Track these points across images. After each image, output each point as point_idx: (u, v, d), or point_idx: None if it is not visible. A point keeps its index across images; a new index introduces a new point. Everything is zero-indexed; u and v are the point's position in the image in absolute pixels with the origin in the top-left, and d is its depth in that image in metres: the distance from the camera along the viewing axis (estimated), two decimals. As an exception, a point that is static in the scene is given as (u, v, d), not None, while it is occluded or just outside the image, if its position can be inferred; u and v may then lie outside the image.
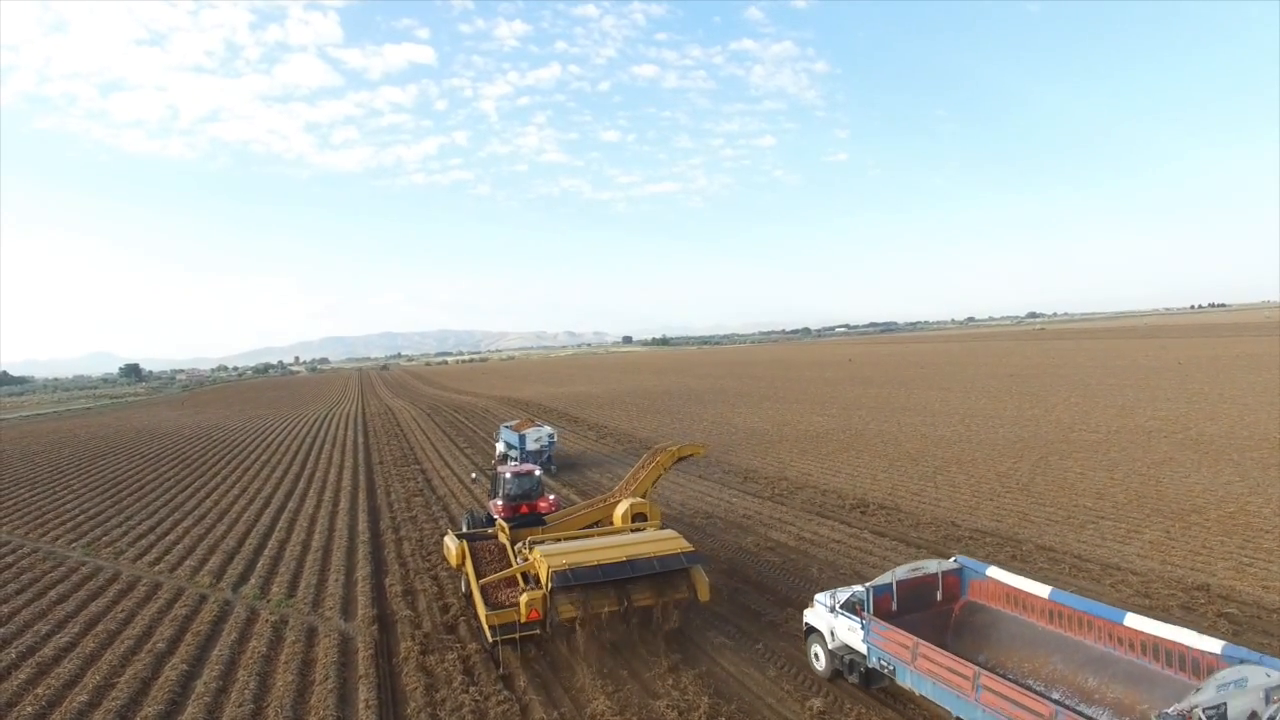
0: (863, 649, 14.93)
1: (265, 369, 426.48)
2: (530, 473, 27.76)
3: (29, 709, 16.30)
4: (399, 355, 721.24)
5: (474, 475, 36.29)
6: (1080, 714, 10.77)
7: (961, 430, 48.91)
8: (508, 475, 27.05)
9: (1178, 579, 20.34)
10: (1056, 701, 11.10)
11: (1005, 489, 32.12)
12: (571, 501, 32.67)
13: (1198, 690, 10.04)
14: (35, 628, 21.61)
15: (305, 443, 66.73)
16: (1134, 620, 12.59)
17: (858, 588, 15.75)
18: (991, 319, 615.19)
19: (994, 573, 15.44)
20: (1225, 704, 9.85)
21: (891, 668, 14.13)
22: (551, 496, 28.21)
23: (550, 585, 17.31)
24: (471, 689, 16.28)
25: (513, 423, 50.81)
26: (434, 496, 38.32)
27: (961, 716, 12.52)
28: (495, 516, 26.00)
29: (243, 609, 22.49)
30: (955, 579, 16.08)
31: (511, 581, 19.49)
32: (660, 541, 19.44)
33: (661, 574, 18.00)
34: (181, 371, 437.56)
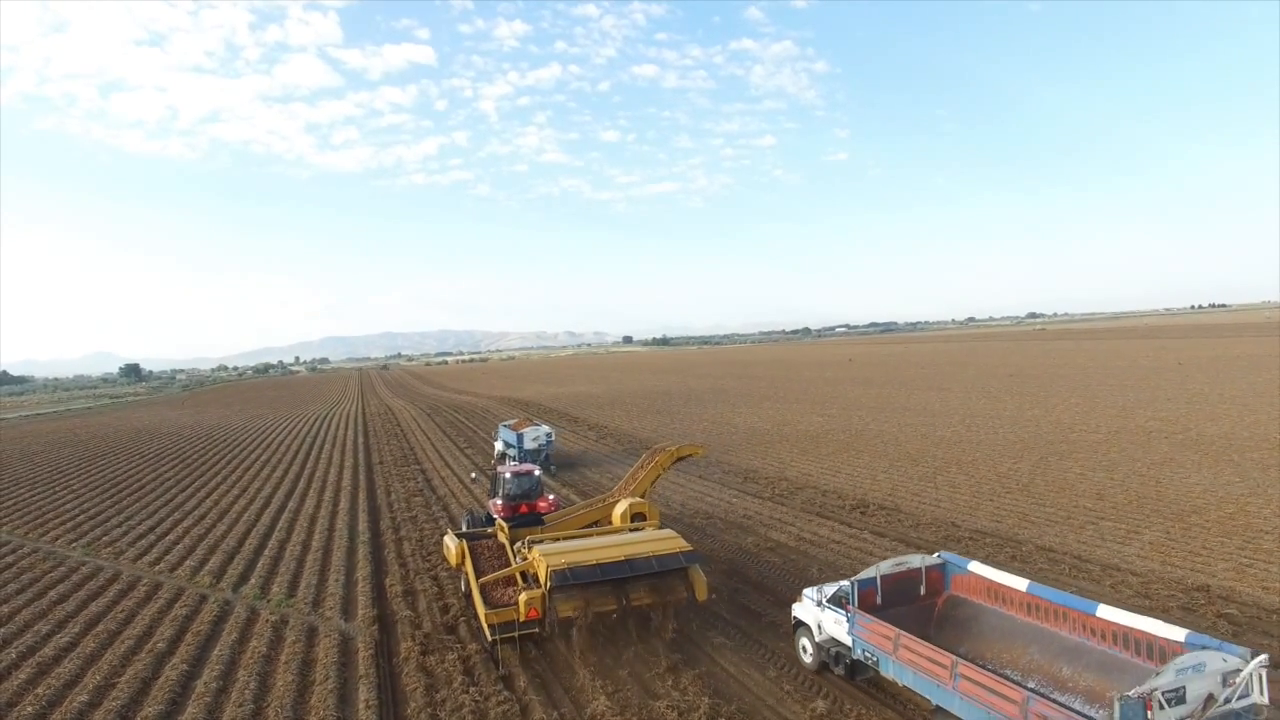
0: (848, 641, 15.33)
1: (265, 369, 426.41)
2: (530, 472, 27.79)
3: (29, 709, 16.31)
4: (399, 355, 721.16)
5: (473, 475, 36.33)
6: (1050, 700, 11.22)
7: (962, 431, 48.92)
8: (507, 475, 27.08)
9: (1178, 580, 20.34)
10: (1028, 688, 11.56)
11: (1005, 489, 32.12)
12: (571, 501, 32.67)
13: (1157, 674, 10.49)
14: (35, 628, 21.63)
15: (305, 443, 66.74)
16: (1105, 611, 13.10)
17: (844, 582, 16.06)
18: (992, 319, 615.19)
19: (975, 567, 15.91)
20: (1184, 687, 10.38)
21: (875, 659, 14.53)
22: (551, 496, 28.24)
23: (549, 584, 17.36)
24: (472, 689, 16.29)
25: (511, 422, 51.06)
26: (434, 496, 38.33)
27: (941, 704, 12.88)
28: (495, 516, 26.03)
29: (243, 609, 22.51)
30: (938, 574, 16.55)
31: (511, 581, 19.54)
32: (659, 541, 19.49)
33: (660, 573, 18.04)
34: (181, 371, 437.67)
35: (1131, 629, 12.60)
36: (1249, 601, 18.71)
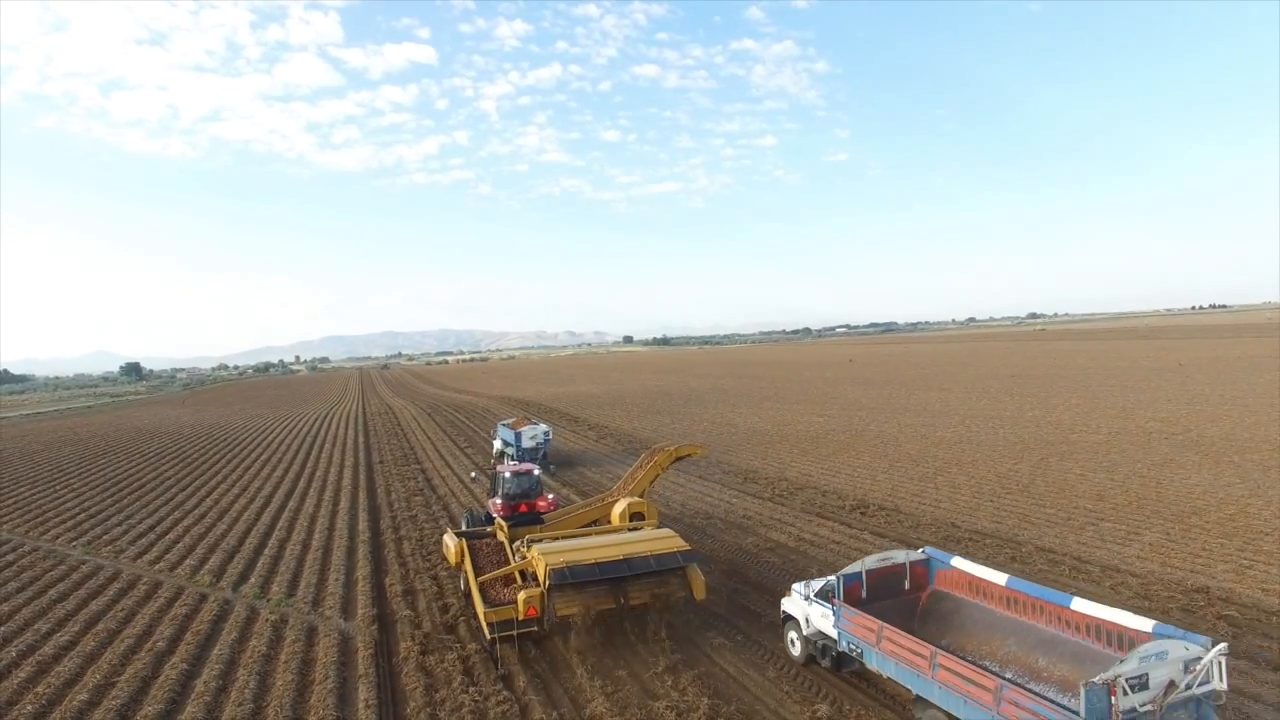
0: (834, 634, 15.72)
1: (266, 368, 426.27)
2: (529, 472, 27.83)
3: (29, 707, 16.33)
4: (400, 355, 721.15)
5: (473, 474, 36.35)
6: (1022, 687, 11.70)
7: (962, 431, 48.90)
8: (507, 474, 27.11)
9: (1177, 581, 20.33)
10: (1001, 676, 12.03)
11: (1005, 490, 32.11)
12: (570, 501, 32.68)
13: (1121, 661, 10.95)
14: (35, 626, 21.65)
15: (305, 442, 66.76)
16: (1079, 604, 13.59)
17: (831, 577, 16.48)
18: (992, 319, 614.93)
19: (958, 563, 16.35)
20: (1147, 674, 10.83)
21: (859, 651, 14.93)
22: (550, 496, 28.26)
23: (548, 583, 17.44)
24: (471, 689, 16.29)
25: (509, 421, 51.70)
26: (434, 496, 38.34)
27: (921, 694, 13.27)
28: (494, 515, 26.06)
29: (243, 608, 22.52)
30: (923, 569, 16.97)
31: (510, 579, 19.60)
32: (657, 540, 19.57)
33: (658, 572, 18.13)
34: (182, 370, 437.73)
35: (1103, 620, 13.03)
36: (1249, 603, 18.69)
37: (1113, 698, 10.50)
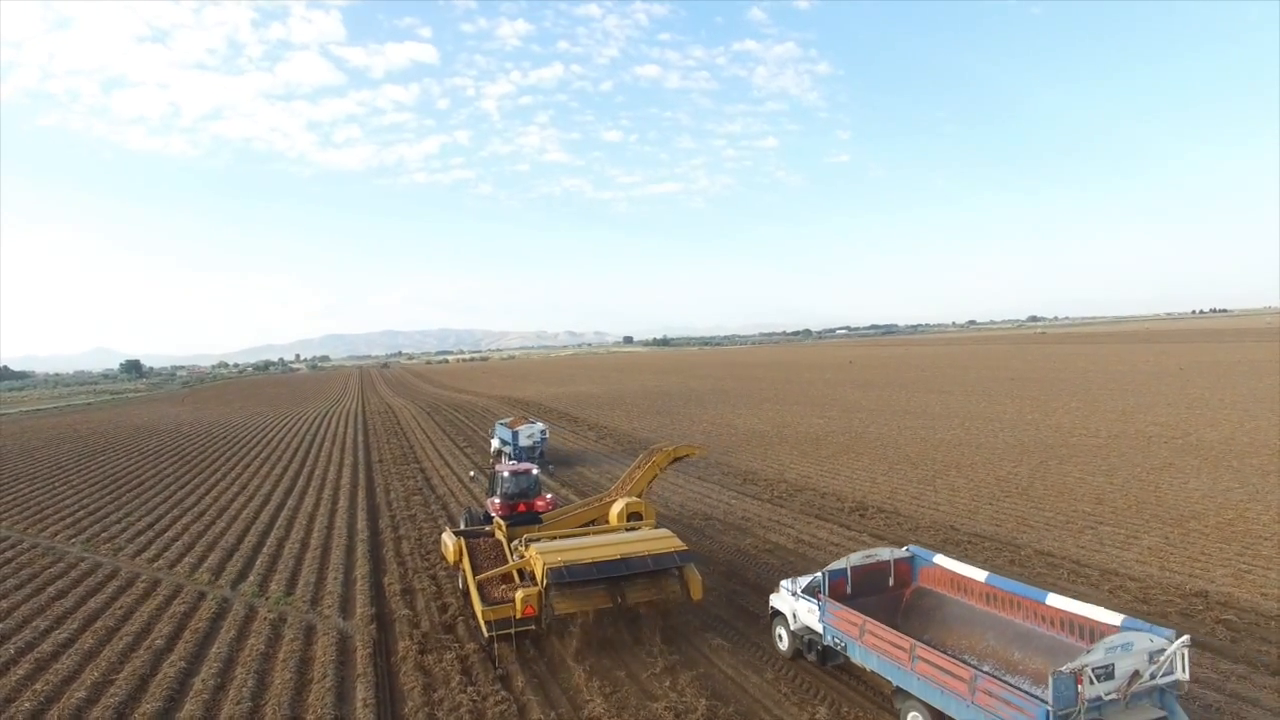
0: (820, 629, 16.11)
1: (266, 366, 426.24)
2: (528, 471, 27.87)
3: (27, 704, 16.32)
4: (400, 354, 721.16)
5: (472, 474, 36.40)
6: (995, 677, 12.15)
7: (961, 434, 48.90)
8: (505, 474, 27.14)
9: (1176, 585, 20.33)
10: (975, 667, 12.52)
11: (1005, 493, 32.11)
12: (569, 500, 32.68)
13: (1088, 652, 11.40)
14: (34, 623, 21.62)
15: (305, 440, 66.75)
16: (1054, 599, 14.07)
17: (817, 574, 16.84)
18: (992, 322, 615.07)
19: (940, 560, 16.77)
20: (1113, 664, 11.29)
21: (844, 644, 15.36)
22: (549, 495, 28.29)
23: (545, 582, 17.50)
24: (469, 689, 16.29)
25: (507, 420, 52.09)
26: (433, 495, 38.33)
27: (901, 685, 13.72)
28: (493, 514, 26.10)
29: (241, 606, 22.50)
30: (907, 566, 17.35)
31: (508, 578, 19.64)
32: (654, 540, 19.67)
33: (655, 572, 18.23)
34: (182, 368, 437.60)
35: (1076, 615, 13.49)
36: (1247, 607, 18.69)
37: (1079, 686, 10.93)
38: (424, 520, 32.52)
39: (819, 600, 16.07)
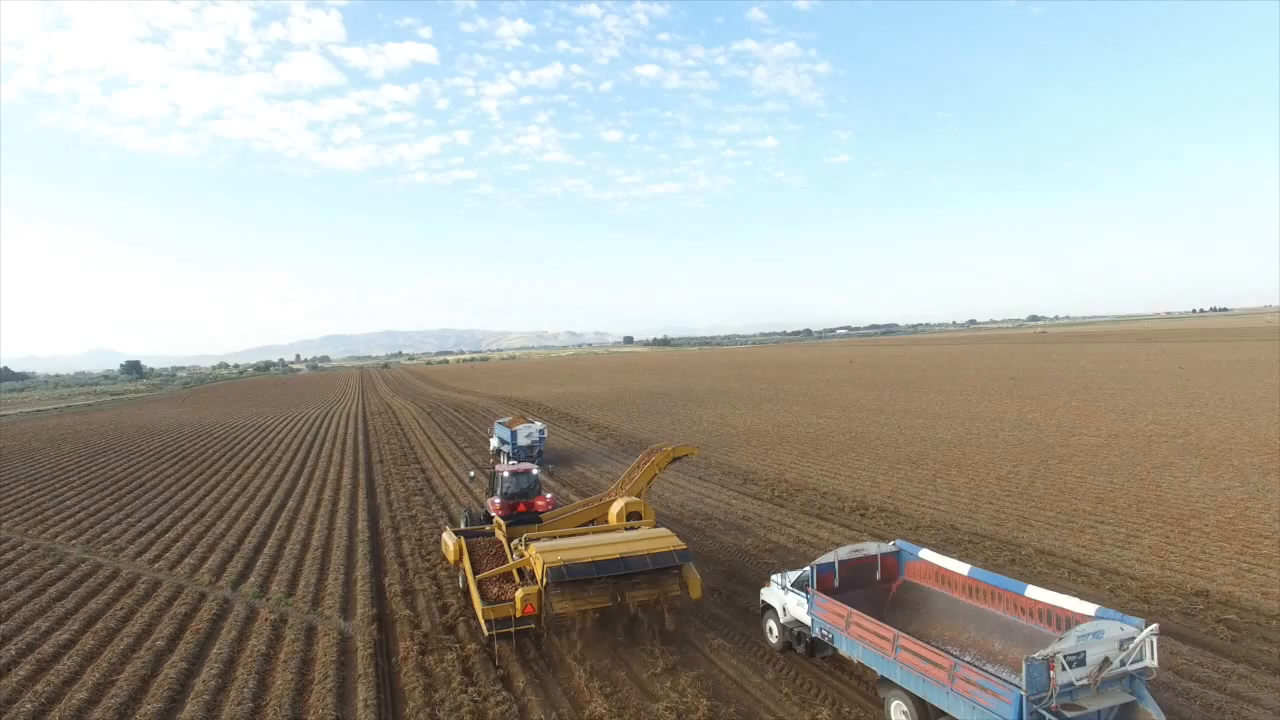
0: (808, 621, 16.49)
1: (266, 367, 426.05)
2: (528, 471, 27.90)
3: (29, 705, 16.33)
4: (400, 354, 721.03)
5: (472, 474, 36.42)
6: (974, 666, 12.58)
7: (962, 433, 48.90)
8: (506, 474, 27.17)
9: (1177, 584, 20.33)
10: (956, 657, 12.87)
11: (1005, 492, 32.11)
12: (569, 500, 32.70)
13: (1060, 639, 11.81)
14: (35, 625, 21.64)
15: (305, 441, 66.77)
16: (1032, 591, 14.51)
17: (806, 568, 17.20)
18: (993, 322, 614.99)
19: (926, 554, 17.20)
20: (1084, 651, 11.71)
21: (831, 636, 15.73)
22: (548, 495, 28.31)
23: (545, 581, 17.56)
24: (470, 689, 16.30)
25: (506, 419, 52.60)
26: (434, 496, 38.35)
27: (885, 675, 14.15)
28: (493, 514, 26.14)
29: (242, 607, 22.51)
30: (893, 560, 17.81)
31: (509, 577, 19.70)
32: (654, 539, 19.76)
33: (654, 571, 18.31)
34: (182, 369, 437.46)
35: (1053, 606, 13.92)
36: (1248, 606, 18.68)
37: (1051, 672, 11.39)
38: (424, 520, 32.54)
39: (808, 594, 16.44)
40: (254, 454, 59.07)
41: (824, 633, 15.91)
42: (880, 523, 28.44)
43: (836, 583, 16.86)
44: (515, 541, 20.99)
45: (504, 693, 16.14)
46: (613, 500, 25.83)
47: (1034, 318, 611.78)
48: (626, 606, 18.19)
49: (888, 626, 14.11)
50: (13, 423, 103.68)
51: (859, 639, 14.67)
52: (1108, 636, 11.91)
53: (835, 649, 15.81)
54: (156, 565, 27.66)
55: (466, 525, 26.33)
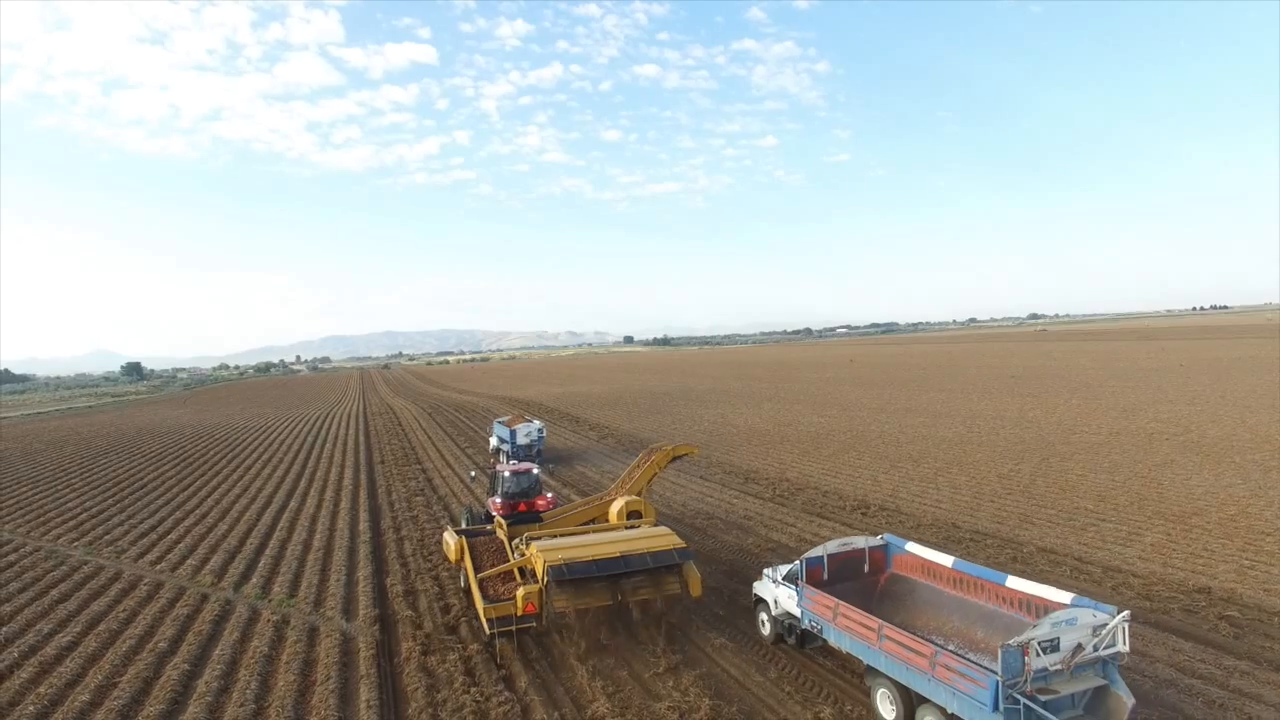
0: (798, 613, 16.88)
1: (267, 368, 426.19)
2: (529, 471, 27.94)
3: (31, 708, 16.34)
4: (400, 354, 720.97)
5: (473, 474, 36.48)
6: (954, 653, 13.03)
7: (963, 432, 48.90)
8: (506, 474, 27.22)
9: (1179, 582, 20.33)
10: (939, 645, 13.31)
11: (1006, 490, 32.11)
12: (569, 499, 32.72)
13: (1035, 626, 12.22)
14: (37, 627, 21.66)
15: (307, 442, 66.80)
16: (1013, 582, 14.98)
17: (795, 562, 17.66)
18: (993, 320, 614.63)
19: (912, 547, 17.69)
20: (1058, 638, 12.15)
21: (819, 627, 16.10)
22: (549, 494, 28.34)
23: (546, 579, 17.63)
24: (473, 689, 16.31)
25: (505, 418, 52.80)
26: (435, 496, 38.36)
27: (871, 664, 14.54)
28: (494, 514, 26.17)
29: (244, 608, 22.54)
30: (881, 554, 18.25)
31: (510, 576, 19.76)
32: (654, 538, 19.81)
33: (655, 570, 18.38)
34: (183, 370, 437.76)
35: (1032, 595, 14.39)
36: (1250, 604, 18.68)
37: (1026, 658, 11.81)
38: (426, 521, 32.55)
39: (797, 586, 16.86)
40: (255, 455, 59.09)
41: (813, 624, 16.30)
42: (882, 521, 28.43)
43: (825, 576, 17.35)
44: (516, 540, 21.07)
45: (506, 693, 16.15)
46: (613, 499, 25.82)
47: (1034, 316, 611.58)
48: (627, 605, 18.25)
49: (873, 617, 14.52)
50: (14, 425, 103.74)
51: (846, 629, 15.07)
52: (1081, 623, 12.32)
53: (824, 640, 16.15)
54: (159, 567, 27.68)
55: (468, 525, 26.36)
